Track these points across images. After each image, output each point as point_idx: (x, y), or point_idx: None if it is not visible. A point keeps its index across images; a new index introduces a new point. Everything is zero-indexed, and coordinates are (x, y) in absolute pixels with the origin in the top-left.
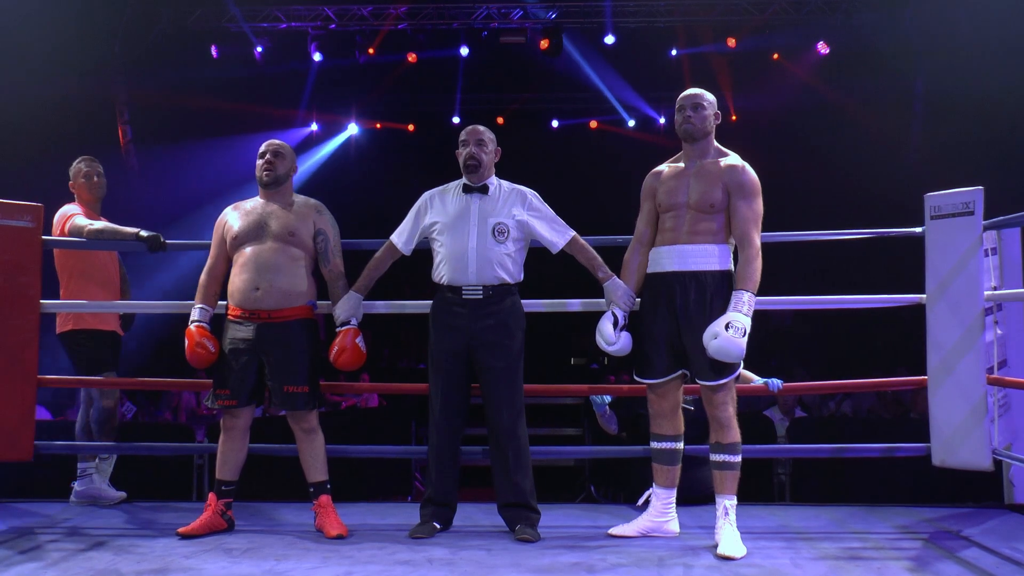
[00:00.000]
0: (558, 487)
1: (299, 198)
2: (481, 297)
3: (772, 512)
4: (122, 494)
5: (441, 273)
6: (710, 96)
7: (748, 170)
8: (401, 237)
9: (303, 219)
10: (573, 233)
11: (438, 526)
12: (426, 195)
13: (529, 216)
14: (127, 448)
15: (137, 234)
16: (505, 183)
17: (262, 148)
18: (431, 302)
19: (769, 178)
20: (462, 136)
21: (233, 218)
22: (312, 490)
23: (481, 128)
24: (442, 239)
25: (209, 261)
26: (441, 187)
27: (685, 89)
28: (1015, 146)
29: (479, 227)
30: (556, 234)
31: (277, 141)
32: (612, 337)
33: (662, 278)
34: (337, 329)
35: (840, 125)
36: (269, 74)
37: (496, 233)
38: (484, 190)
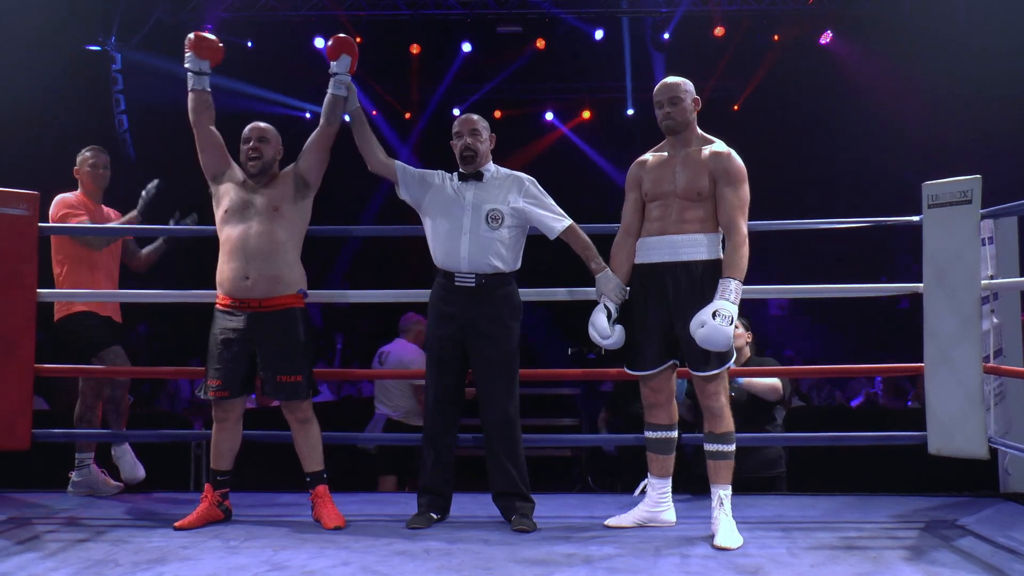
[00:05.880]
0: (555, 477)
1: (283, 171)
2: (473, 285)
3: (768, 501)
4: (120, 484)
5: (436, 256)
6: (686, 85)
7: (734, 156)
8: (404, 166)
9: (284, 183)
10: (570, 221)
11: (435, 516)
12: (439, 171)
13: (525, 203)
14: (124, 436)
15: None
16: (503, 169)
17: (245, 132)
18: (428, 291)
19: (766, 166)
20: (456, 127)
21: (230, 177)
22: (308, 480)
23: (475, 117)
24: (436, 223)
25: None
26: (447, 172)
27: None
28: (1013, 135)
29: (473, 213)
30: (552, 221)
31: (262, 124)
32: (607, 331)
33: (652, 269)
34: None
35: (839, 114)
36: (265, 62)
37: (490, 220)
38: (479, 177)
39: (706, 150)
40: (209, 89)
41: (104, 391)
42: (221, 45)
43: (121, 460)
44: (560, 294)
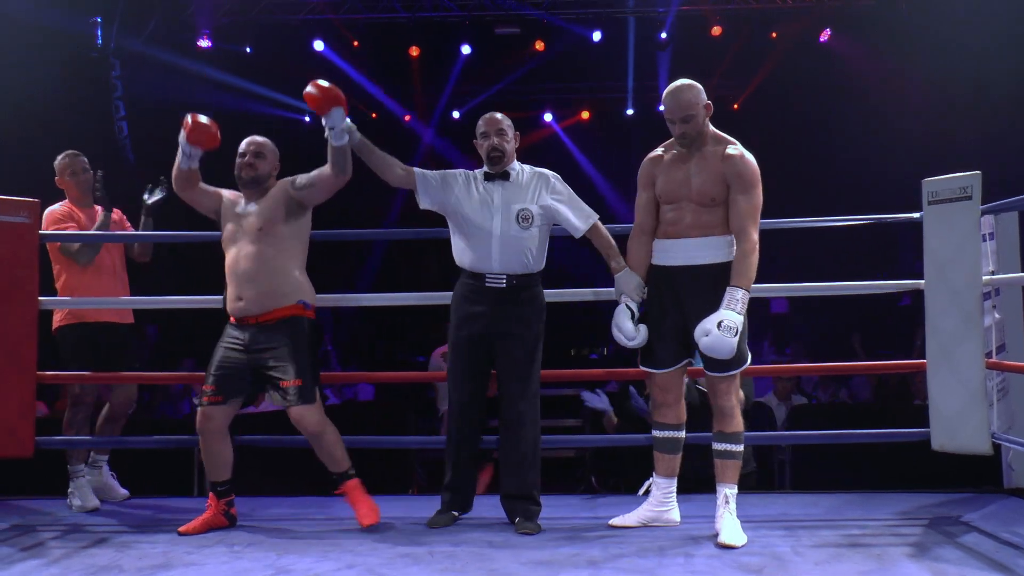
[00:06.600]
0: (559, 478)
1: (277, 185)
2: (504, 286)
3: (772, 500)
4: (126, 493)
5: (463, 259)
6: (696, 97)
7: (747, 160)
8: (423, 172)
9: (276, 202)
10: (595, 218)
11: (456, 514)
12: (460, 170)
13: (553, 200)
14: (129, 442)
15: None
16: (527, 167)
17: (242, 147)
18: (429, 294)
19: (766, 165)
20: (481, 127)
21: (226, 206)
22: (335, 479)
23: (499, 116)
24: (465, 225)
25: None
26: (471, 171)
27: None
28: (1012, 131)
29: (503, 213)
30: (579, 218)
31: (259, 139)
32: (633, 332)
33: (667, 271)
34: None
35: (839, 112)
36: (264, 65)
37: (520, 220)
38: (506, 176)
39: (720, 152)
40: (196, 167)
41: (87, 400)
42: (216, 133)
43: (80, 491)
44: (586, 295)
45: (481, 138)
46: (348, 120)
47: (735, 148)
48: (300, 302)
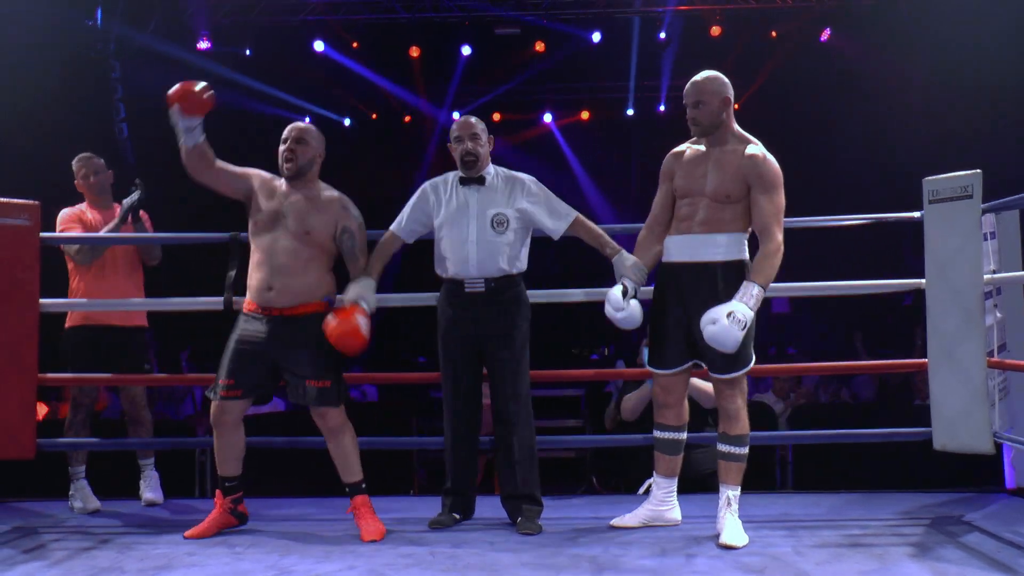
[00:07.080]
0: (559, 479)
1: (326, 191)
2: (483, 290)
3: (773, 500)
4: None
5: (443, 267)
6: (714, 85)
7: (769, 161)
8: (400, 225)
9: (324, 212)
10: (575, 214)
11: (457, 516)
12: (425, 185)
13: (528, 203)
14: (129, 444)
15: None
16: (502, 171)
17: (284, 133)
18: (430, 294)
19: None
20: (455, 132)
21: (260, 187)
22: (347, 490)
23: (473, 120)
24: (442, 232)
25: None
26: (440, 178)
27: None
28: (1012, 130)
29: (478, 219)
30: (557, 219)
31: (302, 124)
32: (620, 303)
33: (674, 268)
34: None
35: (840, 112)
36: (264, 65)
37: (495, 224)
38: (481, 181)
39: (741, 152)
40: (202, 139)
41: (85, 402)
42: (204, 95)
43: (81, 493)
44: (576, 295)
45: (455, 142)
46: (361, 298)
47: (757, 148)
48: (326, 299)
